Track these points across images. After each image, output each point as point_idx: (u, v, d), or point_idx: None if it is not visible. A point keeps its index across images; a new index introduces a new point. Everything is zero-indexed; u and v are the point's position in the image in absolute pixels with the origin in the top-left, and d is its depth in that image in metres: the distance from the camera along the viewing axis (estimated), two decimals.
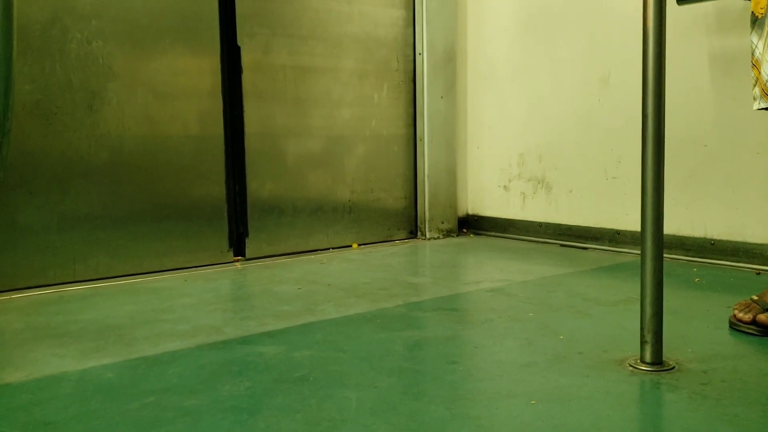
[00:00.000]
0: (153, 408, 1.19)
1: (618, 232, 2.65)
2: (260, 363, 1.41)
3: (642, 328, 1.32)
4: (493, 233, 3.15)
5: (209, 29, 2.43)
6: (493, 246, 2.89)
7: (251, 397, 1.23)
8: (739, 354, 1.42)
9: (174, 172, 2.39)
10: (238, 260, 2.56)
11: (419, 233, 3.09)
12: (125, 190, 2.29)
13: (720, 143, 2.31)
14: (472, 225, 3.25)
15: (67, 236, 2.19)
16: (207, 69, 2.44)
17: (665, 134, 1.30)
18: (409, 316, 1.78)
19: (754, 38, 1.64)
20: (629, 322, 1.65)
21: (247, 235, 2.58)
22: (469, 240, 3.07)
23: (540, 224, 2.94)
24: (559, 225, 2.86)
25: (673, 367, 1.33)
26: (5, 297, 2.03)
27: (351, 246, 2.87)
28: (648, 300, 1.31)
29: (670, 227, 2.42)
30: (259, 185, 2.60)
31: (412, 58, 3.02)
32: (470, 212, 3.26)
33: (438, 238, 3.08)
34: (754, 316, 1.54)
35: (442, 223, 3.11)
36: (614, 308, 1.80)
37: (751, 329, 1.54)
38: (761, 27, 1.61)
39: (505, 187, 3.08)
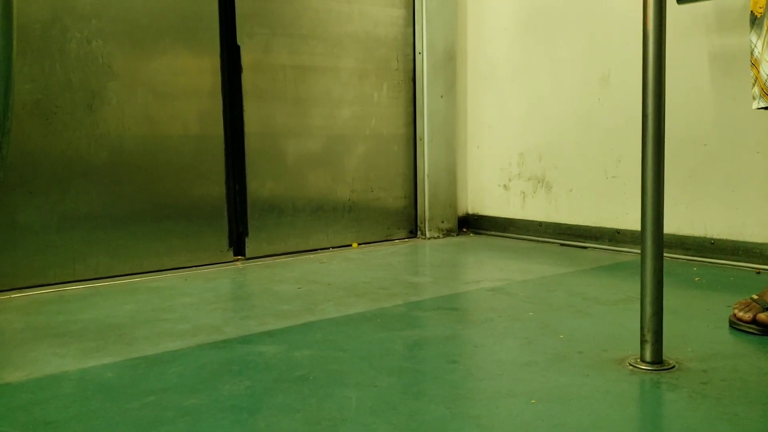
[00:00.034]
0: (153, 407, 1.19)
1: (618, 232, 2.65)
2: (260, 362, 1.42)
3: (642, 328, 1.33)
4: (493, 232, 3.15)
5: (209, 29, 2.43)
6: (493, 245, 2.89)
7: (251, 397, 1.23)
8: (739, 353, 1.42)
9: (174, 172, 2.39)
10: (238, 260, 2.56)
11: (419, 232, 3.09)
12: (125, 189, 2.29)
13: (720, 143, 2.31)
14: (472, 224, 3.25)
15: (67, 236, 2.19)
16: (207, 69, 2.44)
17: (665, 134, 1.30)
18: (409, 315, 1.78)
19: (753, 37, 1.64)
20: (629, 322, 1.65)
21: (247, 234, 2.58)
22: (469, 239, 3.07)
23: (540, 223, 2.94)
24: (559, 224, 2.86)
25: (673, 367, 1.33)
26: (5, 296, 2.03)
27: (351, 245, 2.87)
28: (648, 299, 1.31)
29: (670, 226, 2.42)
30: (259, 185, 2.60)
31: (412, 57, 3.02)
32: (470, 211, 3.26)
33: (438, 237, 3.08)
34: (754, 315, 1.54)
35: (442, 222, 3.11)
36: (614, 307, 1.80)
37: (751, 328, 1.54)
38: (760, 26, 1.61)
39: (505, 186, 3.08)
